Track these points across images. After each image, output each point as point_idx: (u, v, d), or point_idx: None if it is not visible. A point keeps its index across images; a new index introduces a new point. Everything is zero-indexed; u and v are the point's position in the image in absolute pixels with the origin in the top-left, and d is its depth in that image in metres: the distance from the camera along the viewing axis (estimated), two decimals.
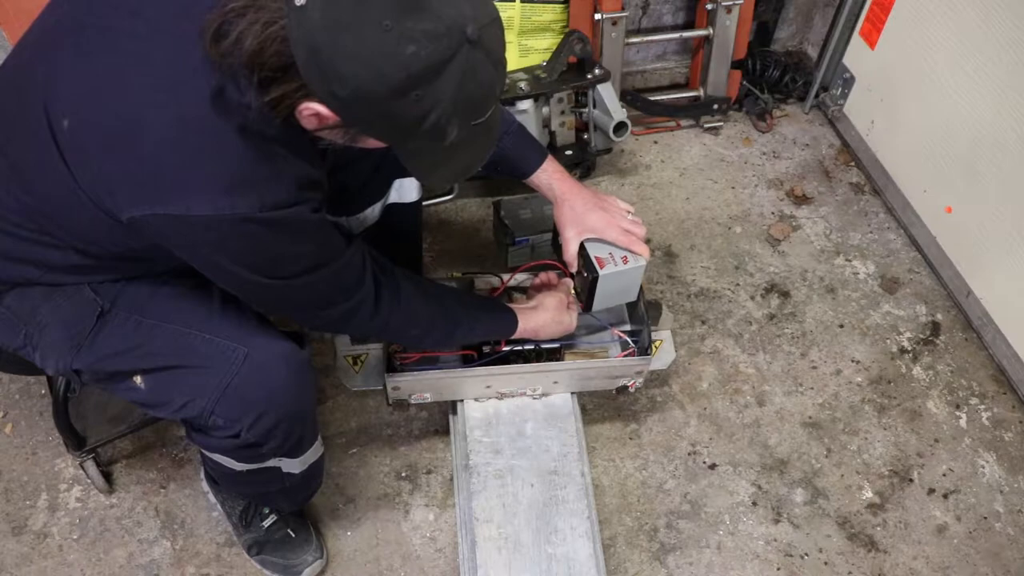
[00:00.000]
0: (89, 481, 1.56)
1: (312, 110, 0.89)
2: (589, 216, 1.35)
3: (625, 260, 1.35)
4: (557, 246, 1.42)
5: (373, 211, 1.44)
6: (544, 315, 1.42)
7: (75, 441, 1.46)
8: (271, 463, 1.26)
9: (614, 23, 1.99)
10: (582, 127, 2.03)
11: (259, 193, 0.93)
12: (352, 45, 0.81)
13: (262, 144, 0.93)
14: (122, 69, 0.92)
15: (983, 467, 1.67)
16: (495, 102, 0.94)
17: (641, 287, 1.53)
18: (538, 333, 1.42)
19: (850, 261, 2.01)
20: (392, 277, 1.20)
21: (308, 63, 0.83)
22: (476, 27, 0.84)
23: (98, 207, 0.95)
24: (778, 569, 1.52)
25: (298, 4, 0.81)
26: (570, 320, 1.46)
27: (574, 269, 1.40)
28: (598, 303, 1.41)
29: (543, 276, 1.53)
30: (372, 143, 0.96)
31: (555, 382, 1.53)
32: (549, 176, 1.38)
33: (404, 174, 1.43)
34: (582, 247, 1.36)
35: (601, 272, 1.33)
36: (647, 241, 1.38)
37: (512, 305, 1.42)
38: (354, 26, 0.81)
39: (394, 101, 0.85)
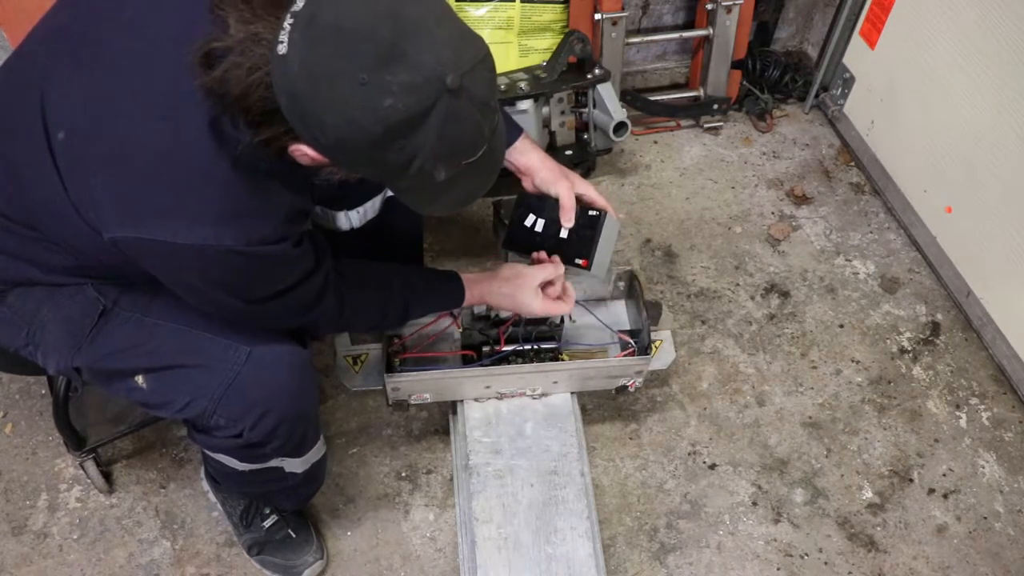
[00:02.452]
0: (89, 481, 1.56)
1: (302, 151, 0.89)
2: (569, 176, 1.35)
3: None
4: (519, 227, 1.40)
5: (373, 204, 1.44)
6: (493, 281, 1.36)
7: (75, 441, 1.46)
8: (273, 463, 1.26)
9: (614, 23, 1.99)
10: (582, 127, 2.03)
11: (246, 227, 0.95)
12: (330, 98, 0.81)
13: (253, 177, 0.94)
14: (120, 89, 0.92)
15: (983, 467, 1.67)
16: (484, 143, 0.92)
17: (641, 286, 1.53)
18: (484, 297, 1.36)
19: (850, 261, 2.01)
20: (345, 281, 1.18)
21: (291, 110, 0.83)
22: (457, 75, 0.82)
23: (84, 220, 0.95)
24: (778, 569, 1.52)
25: (280, 53, 0.81)
26: (531, 292, 1.35)
27: (571, 221, 1.35)
28: (599, 259, 1.37)
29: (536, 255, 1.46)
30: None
31: (555, 382, 1.53)
32: (523, 151, 1.34)
33: None
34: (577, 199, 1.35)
35: (607, 213, 1.33)
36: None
37: (464, 274, 1.37)
38: (331, 79, 0.81)
39: (376, 150, 0.85)
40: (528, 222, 1.40)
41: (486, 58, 0.89)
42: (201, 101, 0.88)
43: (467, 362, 1.52)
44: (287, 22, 0.81)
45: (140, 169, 0.91)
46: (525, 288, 1.34)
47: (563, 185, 1.32)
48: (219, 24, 0.85)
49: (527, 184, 1.37)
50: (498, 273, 1.37)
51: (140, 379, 1.13)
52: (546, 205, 1.37)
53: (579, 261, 1.37)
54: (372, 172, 0.92)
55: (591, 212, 1.35)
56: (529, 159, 1.33)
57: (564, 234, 1.36)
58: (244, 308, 1.06)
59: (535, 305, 1.35)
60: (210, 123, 0.90)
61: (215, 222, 0.93)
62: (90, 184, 0.93)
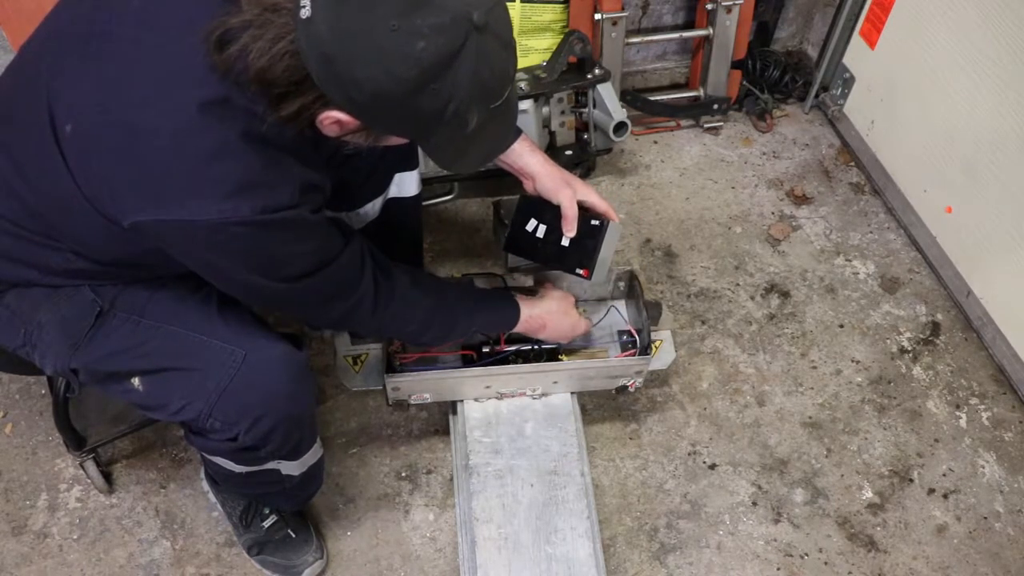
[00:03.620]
0: (89, 481, 1.56)
1: (333, 118, 0.90)
2: (571, 183, 1.35)
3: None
4: (520, 231, 1.41)
5: (374, 206, 1.44)
6: (550, 303, 1.41)
7: (75, 441, 1.46)
8: (270, 465, 1.26)
9: (614, 23, 1.99)
10: (582, 127, 2.03)
11: (261, 197, 0.94)
12: (363, 50, 0.83)
13: (265, 150, 0.94)
14: (126, 78, 0.92)
15: (983, 467, 1.67)
16: (511, 83, 0.96)
17: (641, 286, 1.52)
18: (545, 323, 1.41)
19: (850, 261, 2.01)
20: (389, 273, 1.20)
21: (322, 73, 0.84)
22: (482, 13, 0.85)
23: (98, 212, 0.95)
24: (778, 569, 1.52)
25: (304, 17, 0.82)
26: (577, 318, 1.46)
27: (574, 231, 1.35)
28: (600, 263, 1.37)
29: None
30: (396, 140, 0.98)
31: (555, 382, 1.53)
32: (521, 153, 1.34)
33: (404, 168, 1.43)
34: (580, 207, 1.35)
35: (609, 221, 1.33)
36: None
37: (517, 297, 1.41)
38: (362, 31, 0.82)
39: (411, 98, 0.86)
40: (529, 227, 1.40)
41: (502, 1, 0.92)
42: (209, 80, 0.88)
43: (467, 362, 1.52)
44: None
45: (151, 153, 0.91)
46: (573, 309, 1.46)
47: (565, 195, 1.32)
48: (230, 4, 0.86)
49: (528, 187, 1.37)
50: (551, 295, 1.45)
51: (136, 381, 1.13)
52: (548, 211, 1.37)
53: (580, 271, 1.38)
54: (406, 127, 0.93)
55: (593, 222, 1.34)
56: (529, 162, 1.33)
57: (565, 242, 1.36)
58: (279, 288, 1.04)
59: (583, 324, 1.47)
60: (220, 101, 0.90)
61: (229, 196, 0.92)
62: (103, 174, 0.93)
